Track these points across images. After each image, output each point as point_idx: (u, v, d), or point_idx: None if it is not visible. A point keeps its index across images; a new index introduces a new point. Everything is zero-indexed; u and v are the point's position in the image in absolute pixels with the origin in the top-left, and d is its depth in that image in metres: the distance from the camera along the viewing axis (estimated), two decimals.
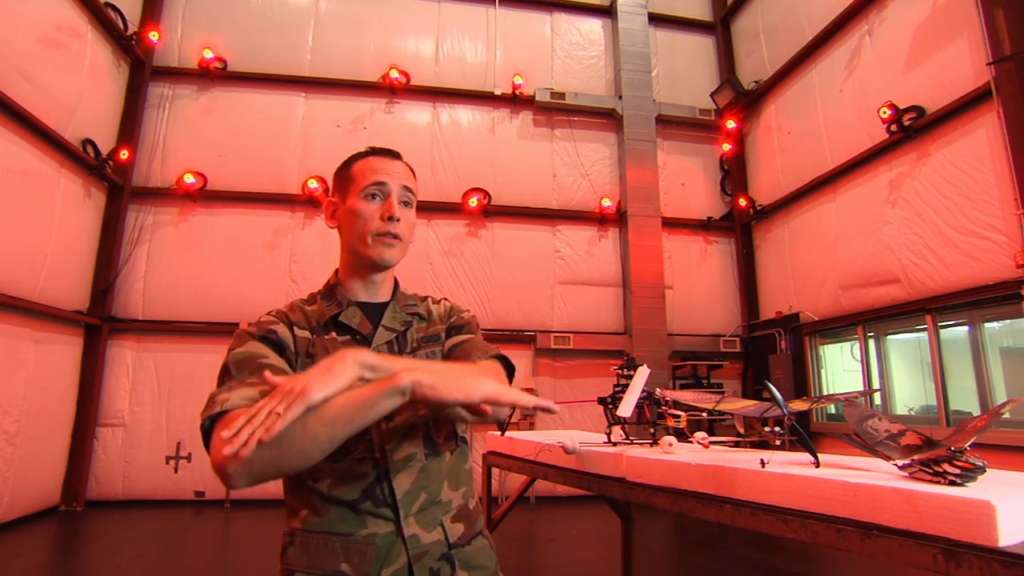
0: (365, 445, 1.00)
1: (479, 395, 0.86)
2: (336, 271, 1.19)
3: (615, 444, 2.04)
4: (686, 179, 8.61)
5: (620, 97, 8.29)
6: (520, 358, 7.53)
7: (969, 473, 1.00)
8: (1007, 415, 4.58)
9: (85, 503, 6.26)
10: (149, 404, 6.63)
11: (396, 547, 0.97)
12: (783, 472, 1.23)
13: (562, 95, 8.10)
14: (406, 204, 1.14)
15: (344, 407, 0.84)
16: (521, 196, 7.88)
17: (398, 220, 1.10)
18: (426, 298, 1.25)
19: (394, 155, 1.17)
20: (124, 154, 6.82)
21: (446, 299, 1.28)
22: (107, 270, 6.70)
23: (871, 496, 1.04)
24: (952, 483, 1.00)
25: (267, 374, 0.86)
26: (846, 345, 6.87)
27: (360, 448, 0.99)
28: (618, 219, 8.09)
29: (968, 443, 1.05)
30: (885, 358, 6.24)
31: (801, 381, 7.14)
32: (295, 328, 1.06)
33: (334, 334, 1.08)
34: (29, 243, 5.50)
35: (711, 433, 2.01)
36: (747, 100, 8.30)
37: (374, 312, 1.13)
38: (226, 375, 0.98)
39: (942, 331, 5.48)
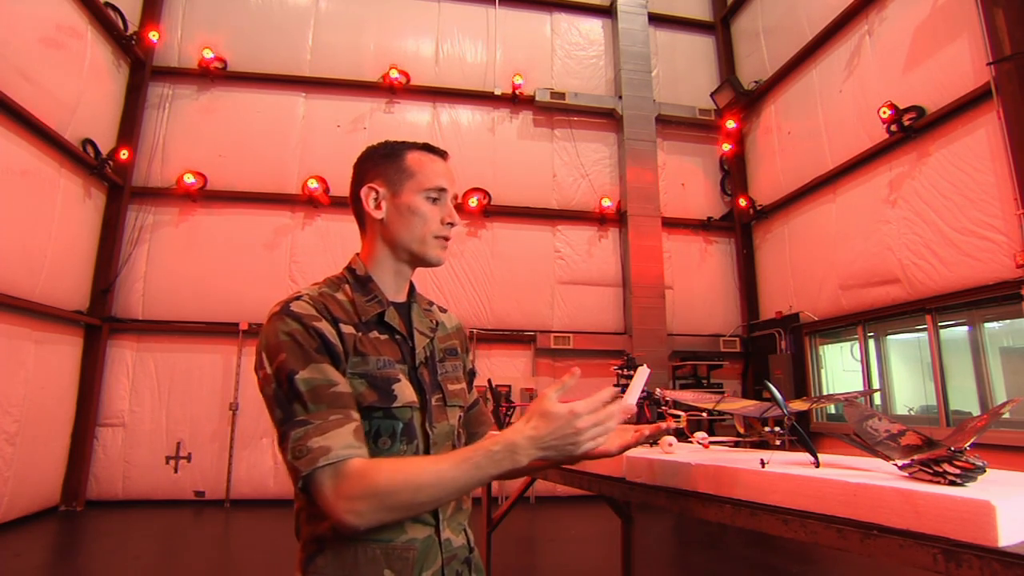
0: (413, 451, 0.99)
1: (582, 455, 0.96)
2: (357, 256, 1.13)
3: None
4: (686, 179, 8.61)
5: (620, 97, 8.29)
6: (520, 358, 7.54)
7: (969, 473, 1.00)
8: (1007, 415, 4.58)
9: (85, 503, 6.27)
10: (149, 404, 6.63)
11: (432, 551, 0.98)
12: (783, 472, 1.23)
13: (562, 95, 8.10)
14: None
15: (466, 483, 0.90)
16: (521, 196, 7.88)
17: (453, 224, 1.12)
18: (432, 304, 1.24)
19: (446, 156, 1.16)
20: (124, 154, 6.82)
21: (448, 311, 1.29)
22: (107, 270, 6.70)
23: (871, 496, 1.04)
24: (952, 483, 1.00)
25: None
26: (846, 345, 6.87)
27: (408, 453, 0.99)
28: (618, 219, 8.09)
29: (968, 443, 1.05)
30: (885, 358, 6.23)
31: (801, 381, 7.14)
32: (340, 324, 0.99)
33: (376, 332, 1.05)
34: (29, 243, 5.50)
35: (711, 433, 2.01)
36: (747, 100, 8.30)
37: (402, 312, 1.13)
38: (296, 402, 0.90)
39: (942, 331, 5.48)
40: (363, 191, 1.10)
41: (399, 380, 1.00)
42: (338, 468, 0.86)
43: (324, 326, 0.96)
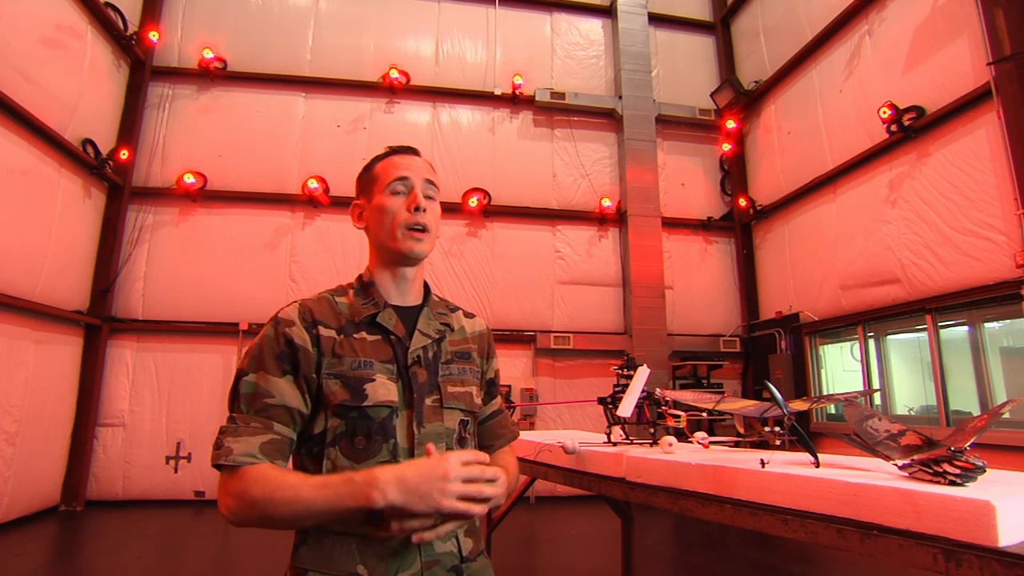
0: (389, 449, 1.01)
1: (447, 507, 0.90)
2: (368, 267, 1.19)
3: (615, 444, 2.04)
4: (686, 179, 8.61)
5: (620, 97, 8.29)
6: (520, 358, 7.54)
7: (969, 473, 1.00)
8: (1007, 415, 4.58)
9: (85, 503, 6.26)
10: (149, 404, 6.63)
11: (411, 553, 0.99)
12: (783, 472, 1.23)
13: (562, 95, 8.10)
14: (429, 197, 1.16)
15: (320, 509, 0.90)
16: (521, 196, 7.88)
17: (424, 210, 1.12)
18: (457, 308, 1.28)
19: (413, 152, 1.20)
20: (124, 154, 6.82)
21: (476, 316, 1.31)
22: (107, 270, 6.70)
23: (871, 496, 1.04)
24: (952, 483, 1.00)
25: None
26: (846, 345, 6.87)
27: (383, 452, 1.00)
28: (618, 219, 8.09)
29: (968, 443, 1.05)
30: (885, 358, 6.23)
31: (801, 381, 7.14)
32: (319, 327, 1.04)
33: (364, 334, 1.07)
34: (29, 243, 5.50)
35: (711, 433, 2.01)
36: (747, 100, 8.30)
37: (408, 316, 1.14)
38: (235, 402, 0.99)
39: (942, 331, 5.47)
40: (350, 210, 1.20)
41: (373, 380, 1.02)
42: (233, 469, 0.93)
43: (296, 331, 1.03)
